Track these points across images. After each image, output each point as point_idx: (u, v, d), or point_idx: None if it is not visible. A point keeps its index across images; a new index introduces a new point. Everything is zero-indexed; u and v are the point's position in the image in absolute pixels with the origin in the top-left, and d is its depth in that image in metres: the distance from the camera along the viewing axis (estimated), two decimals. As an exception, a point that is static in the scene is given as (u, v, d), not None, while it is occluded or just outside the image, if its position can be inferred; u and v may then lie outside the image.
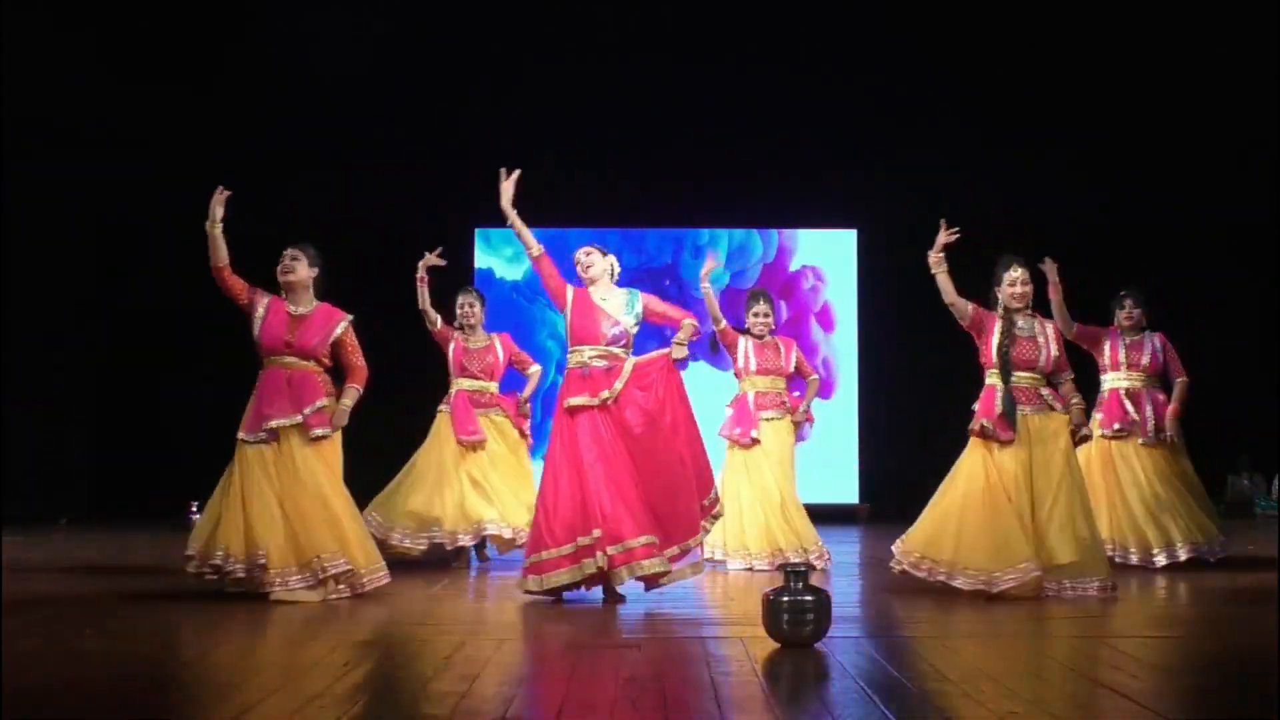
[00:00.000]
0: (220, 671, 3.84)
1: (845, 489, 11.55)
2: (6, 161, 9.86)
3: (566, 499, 5.31)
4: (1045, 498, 5.43)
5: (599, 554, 5.18)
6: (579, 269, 5.70)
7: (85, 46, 10.03)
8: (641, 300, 5.67)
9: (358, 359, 5.70)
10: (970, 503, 5.48)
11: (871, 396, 11.71)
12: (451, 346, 7.18)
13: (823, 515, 8.96)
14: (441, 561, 6.92)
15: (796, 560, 6.65)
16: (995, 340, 5.57)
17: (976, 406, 5.63)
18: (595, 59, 11.01)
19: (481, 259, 11.88)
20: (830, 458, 11.33)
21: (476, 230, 11.91)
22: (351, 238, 11.61)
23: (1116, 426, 6.85)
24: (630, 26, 10.81)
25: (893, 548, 5.73)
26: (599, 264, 5.67)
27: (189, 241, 11.04)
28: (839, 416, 11.61)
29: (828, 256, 12.03)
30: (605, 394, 5.41)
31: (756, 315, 7.11)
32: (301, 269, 5.65)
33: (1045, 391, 5.59)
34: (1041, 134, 11.14)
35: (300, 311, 5.62)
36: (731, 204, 11.80)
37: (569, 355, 5.63)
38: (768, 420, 7.04)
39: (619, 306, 5.61)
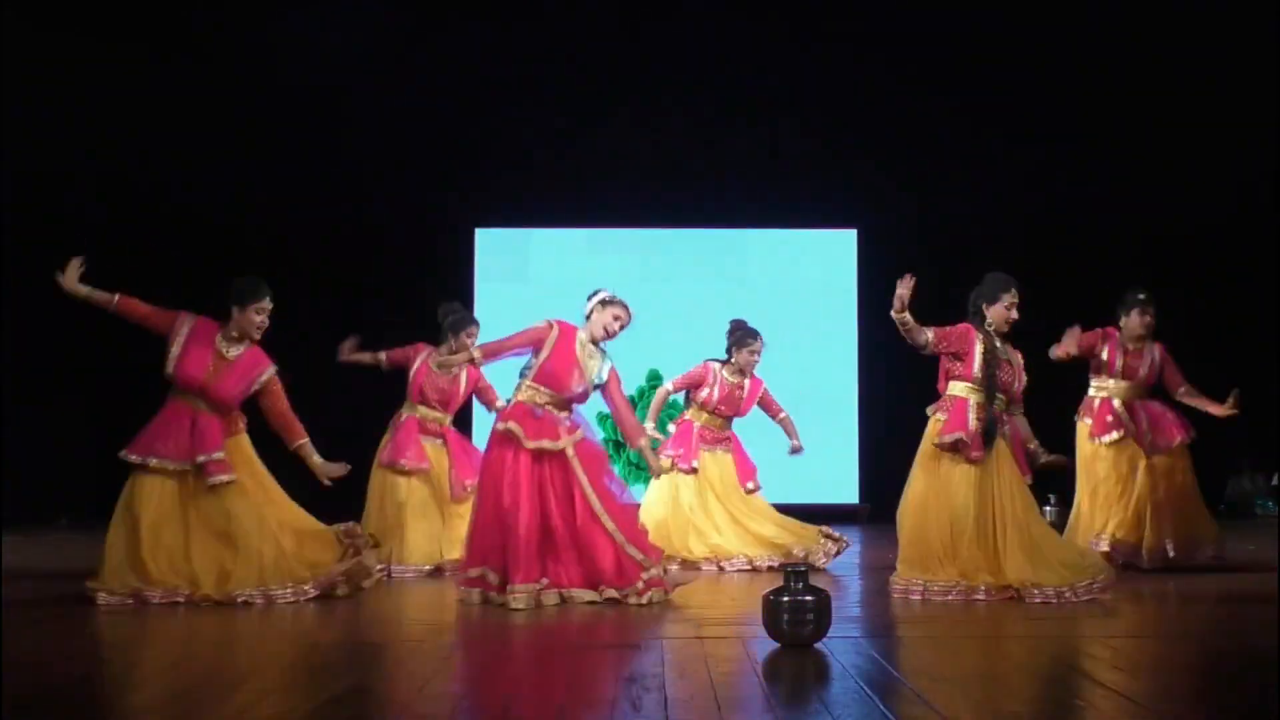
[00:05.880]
0: (220, 671, 3.84)
1: (845, 489, 11.54)
2: (5, 161, 9.85)
3: (488, 527, 5.28)
4: (1006, 520, 5.41)
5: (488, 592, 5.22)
6: (614, 324, 5.42)
7: (77, 45, 10.00)
8: (609, 373, 5.49)
9: (285, 405, 5.54)
10: (912, 511, 5.55)
11: (871, 397, 11.70)
12: (416, 367, 6.79)
13: (823, 515, 8.96)
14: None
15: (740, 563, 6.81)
16: (979, 358, 5.51)
17: (943, 417, 5.56)
18: (595, 58, 11.01)
19: (483, 259, 11.86)
20: (830, 458, 11.32)
21: (477, 230, 11.91)
22: (351, 238, 11.63)
23: (1117, 436, 6.72)
24: (630, 26, 10.81)
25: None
26: (617, 330, 5.46)
27: (188, 240, 11.12)
28: (839, 417, 11.60)
29: (828, 256, 12.03)
30: (548, 444, 5.28)
31: (754, 353, 7.07)
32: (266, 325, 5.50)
33: (1006, 418, 5.58)
34: (1042, 134, 11.14)
35: (232, 354, 5.43)
36: (731, 204, 11.79)
37: (525, 387, 5.41)
38: (709, 451, 7.10)
39: (593, 369, 5.45)
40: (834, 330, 11.78)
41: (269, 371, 5.50)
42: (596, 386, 5.49)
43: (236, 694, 3.37)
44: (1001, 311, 5.54)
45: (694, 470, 7.03)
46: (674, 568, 6.48)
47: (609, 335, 5.47)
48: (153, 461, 5.30)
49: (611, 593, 5.24)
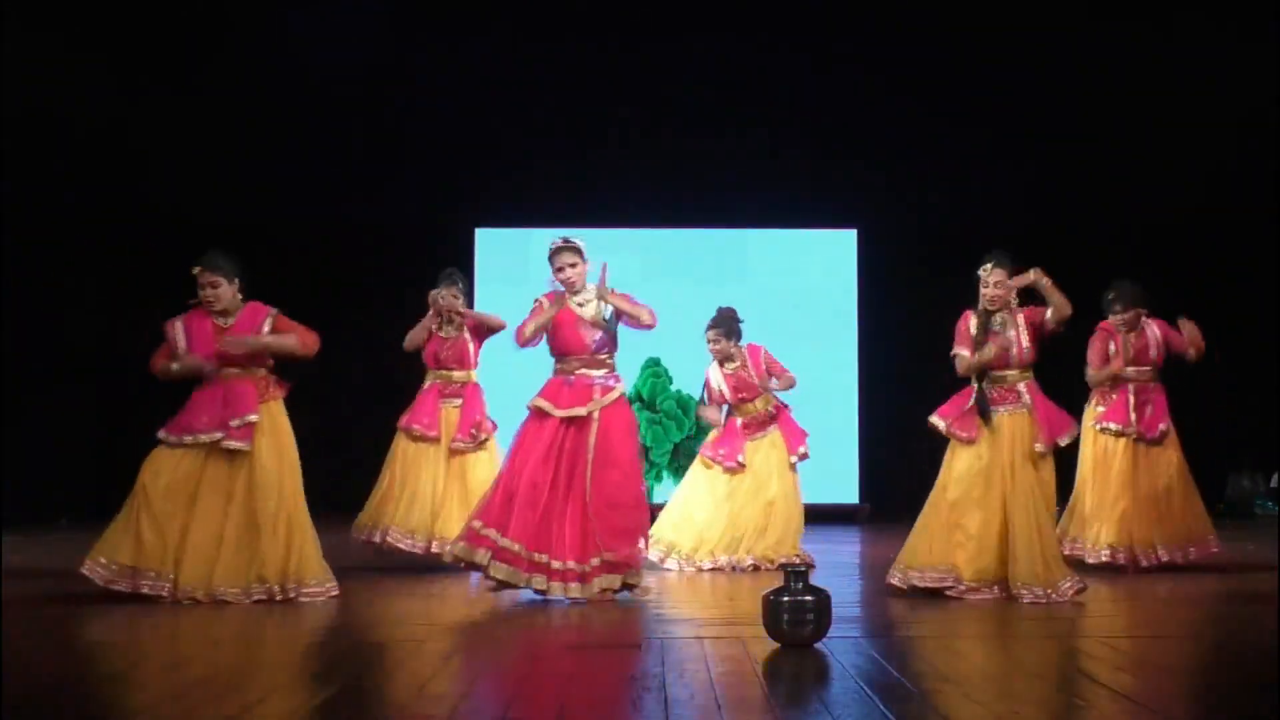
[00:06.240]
0: (220, 671, 3.84)
1: (845, 489, 11.53)
2: (5, 162, 9.84)
3: (504, 499, 5.29)
4: (1011, 503, 5.39)
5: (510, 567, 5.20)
6: (563, 274, 5.42)
7: (73, 46, 10.00)
8: (609, 298, 5.44)
9: (300, 330, 5.53)
10: (930, 501, 5.56)
11: (871, 396, 11.70)
12: (427, 339, 6.95)
13: (823, 515, 8.97)
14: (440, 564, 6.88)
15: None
16: (972, 338, 5.51)
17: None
18: (595, 57, 11.01)
19: (483, 259, 11.86)
20: (830, 458, 11.29)
21: (476, 230, 11.91)
22: (351, 238, 11.64)
23: (1116, 427, 6.72)
24: (630, 27, 10.81)
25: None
26: (581, 269, 5.44)
27: (188, 240, 11.10)
28: (839, 416, 11.60)
29: (828, 256, 12.02)
30: (579, 410, 5.32)
31: (708, 341, 7.09)
32: (224, 292, 5.44)
33: (1023, 387, 5.54)
34: (1042, 134, 11.15)
35: (228, 322, 5.46)
36: (731, 204, 11.79)
37: (554, 365, 5.50)
38: (756, 440, 7.06)
39: (594, 311, 5.45)
40: (834, 330, 11.76)
41: (270, 316, 5.50)
42: (609, 322, 5.47)
43: (236, 694, 3.37)
44: (981, 290, 5.55)
45: (741, 466, 6.99)
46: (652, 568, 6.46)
47: (571, 283, 5.44)
48: (188, 439, 5.33)
49: (574, 590, 5.24)
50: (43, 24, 9.67)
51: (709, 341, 7.08)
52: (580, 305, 5.47)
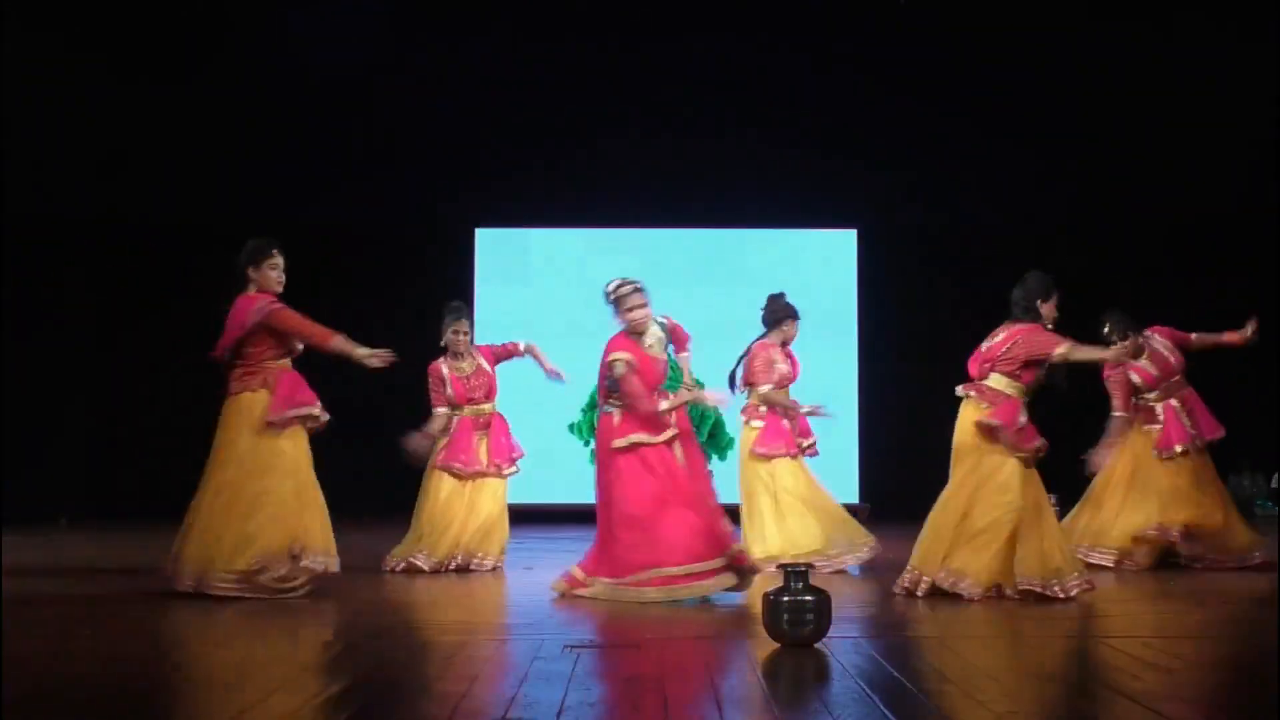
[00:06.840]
0: (220, 671, 3.84)
1: (845, 489, 11.51)
2: (5, 162, 9.84)
3: (670, 523, 5.31)
4: (1028, 514, 5.37)
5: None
6: (629, 315, 5.46)
7: (73, 46, 9.99)
8: (671, 333, 5.65)
9: (307, 326, 5.62)
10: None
11: (871, 396, 11.70)
12: (448, 379, 6.94)
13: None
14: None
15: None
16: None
17: (988, 409, 5.44)
18: (595, 57, 11.01)
19: (483, 259, 11.86)
20: (830, 458, 11.29)
21: (477, 230, 11.91)
22: (351, 238, 11.63)
23: (1183, 446, 6.70)
24: (630, 27, 10.81)
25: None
26: (649, 311, 5.52)
27: (187, 242, 11.13)
28: (839, 417, 11.55)
29: (828, 256, 12.02)
30: (669, 433, 5.44)
31: (795, 329, 7.15)
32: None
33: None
34: (1042, 135, 11.14)
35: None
36: (731, 204, 11.79)
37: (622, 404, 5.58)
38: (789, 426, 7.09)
39: (660, 347, 5.57)
40: (834, 330, 11.75)
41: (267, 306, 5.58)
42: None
43: (237, 693, 3.37)
44: (1052, 309, 5.50)
45: (801, 450, 7.06)
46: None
47: (641, 323, 5.50)
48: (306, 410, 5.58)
49: (699, 589, 5.29)
50: (43, 24, 9.67)
51: (794, 327, 7.17)
52: (649, 346, 5.54)
